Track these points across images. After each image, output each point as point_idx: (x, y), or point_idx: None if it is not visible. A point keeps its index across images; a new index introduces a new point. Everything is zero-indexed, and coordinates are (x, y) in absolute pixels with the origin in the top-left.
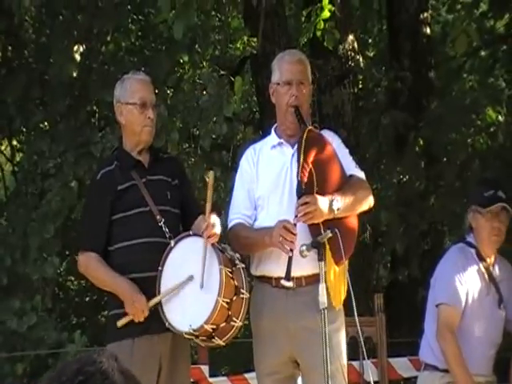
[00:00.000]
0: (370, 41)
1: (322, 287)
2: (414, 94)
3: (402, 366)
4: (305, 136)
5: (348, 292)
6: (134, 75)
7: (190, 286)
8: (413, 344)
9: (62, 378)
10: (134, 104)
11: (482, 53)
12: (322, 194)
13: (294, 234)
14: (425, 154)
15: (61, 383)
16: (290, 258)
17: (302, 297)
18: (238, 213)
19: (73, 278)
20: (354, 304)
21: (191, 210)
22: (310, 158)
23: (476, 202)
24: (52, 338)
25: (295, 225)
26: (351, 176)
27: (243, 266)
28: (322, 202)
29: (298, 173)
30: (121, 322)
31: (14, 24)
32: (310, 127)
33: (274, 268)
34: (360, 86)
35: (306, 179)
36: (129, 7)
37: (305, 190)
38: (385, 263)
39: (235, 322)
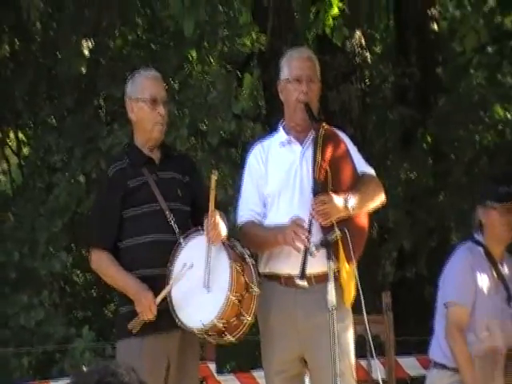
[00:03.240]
0: (377, 36)
1: (330, 286)
2: (422, 90)
3: (409, 364)
4: (321, 134)
5: (356, 290)
6: (144, 72)
7: (200, 284)
8: (419, 342)
9: None
10: (144, 100)
11: (489, 49)
12: (336, 191)
13: (308, 231)
14: (432, 150)
15: None
16: (305, 258)
17: (311, 295)
18: (247, 209)
19: (78, 272)
20: (365, 302)
21: (203, 207)
22: (327, 156)
23: (490, 197)
24: (60, 333)
25: (310, 223)
26: (363, 174)
27: (253, 261)
28: (338, 200)
29: (313, 171)
30: (131, 325)
31: (22, 19)
32: (324, 125)
33: (284, 266)
34: (367, 82)
35: (322, 178)
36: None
37: (320, 188)
38: (391, 260)
39: (246, 318)
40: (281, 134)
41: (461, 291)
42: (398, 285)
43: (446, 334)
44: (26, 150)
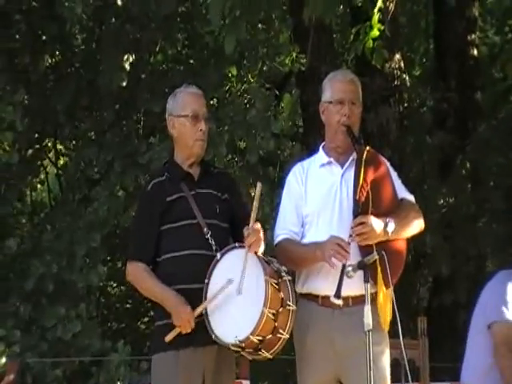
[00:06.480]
0: (416, 59)
1: (367, 309)
2: (460, 115)
3: None
4: (364, 156)
5: (392, 314)
6: (186, 89)
7: (236, 298)
8: (454, 368)
9: None
10: (186, 116)
11: None
12: (377, 214)
13: (347, 252)
14: (470, 176)
15: None
16: (342, 276)
17: (348, 317)
18: (285, 228)
19: (113, 284)
20: (400, 326)
21: (241, 224)
22: (369, 178)
23: None
24: (96, 346)
25: (349, 244)
26: (402, 199)
27: (290, 278)
28: (377, 223)
29: (355, 192)
30: (169, 337)
31: (65, 31)
32: (368, 148)
33: (322, 286)
34: (405, 105)
35: (363, 199)
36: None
37: (361, 209)
38: (427, 286)
39: (282, 334)
40: (321, 156)
41: (504, 309)
42: (434, 311)
43: (495, 353)
44: (63, 160)
